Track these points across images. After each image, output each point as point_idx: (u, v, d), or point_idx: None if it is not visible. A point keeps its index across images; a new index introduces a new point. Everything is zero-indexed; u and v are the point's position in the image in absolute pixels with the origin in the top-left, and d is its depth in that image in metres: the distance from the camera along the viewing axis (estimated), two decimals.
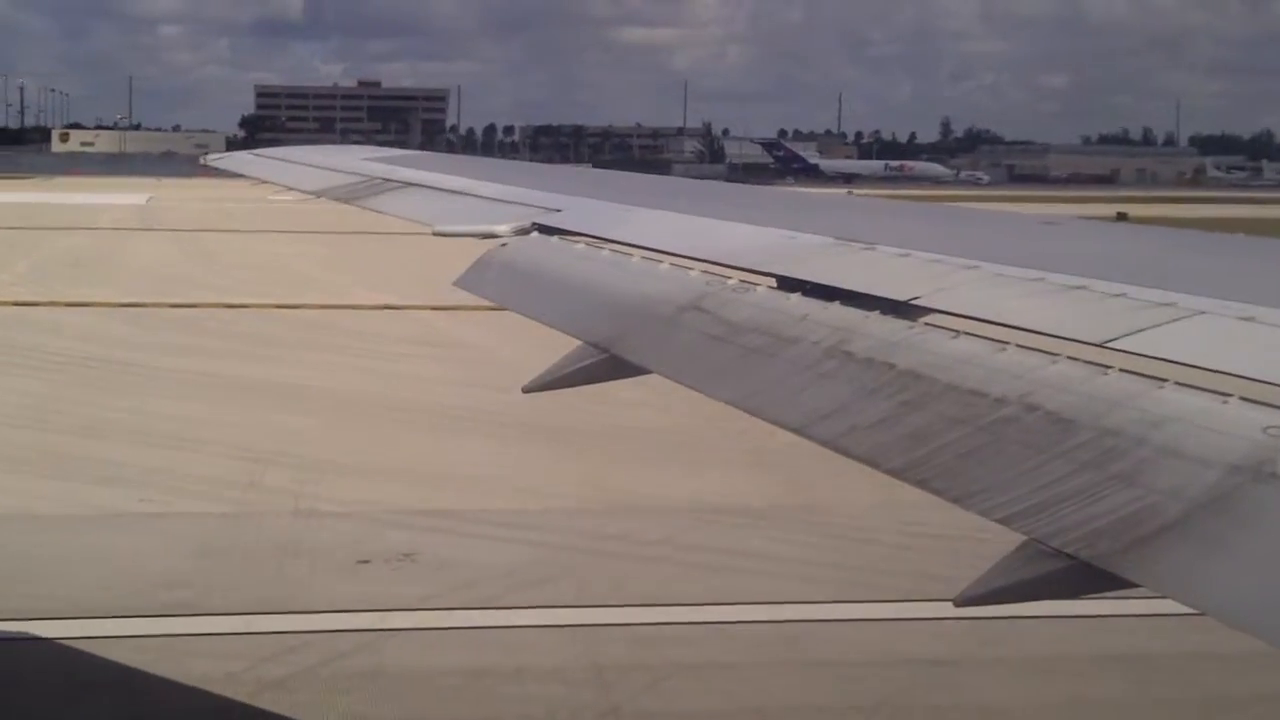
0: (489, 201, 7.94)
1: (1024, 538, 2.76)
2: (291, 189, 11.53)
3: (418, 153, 15.27)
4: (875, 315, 4.11)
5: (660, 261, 5.46)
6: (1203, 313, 3.53)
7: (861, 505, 15.44)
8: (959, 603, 2.85)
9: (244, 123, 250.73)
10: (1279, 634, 2.31)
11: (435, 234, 7.29)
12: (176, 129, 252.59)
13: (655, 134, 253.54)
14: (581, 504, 16.70)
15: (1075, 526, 2.69)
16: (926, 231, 6.01)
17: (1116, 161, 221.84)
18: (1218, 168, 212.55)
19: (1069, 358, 3.37)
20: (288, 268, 43.90)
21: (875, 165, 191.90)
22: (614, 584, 13.57)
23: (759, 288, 4.78)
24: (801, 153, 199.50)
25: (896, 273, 4.56)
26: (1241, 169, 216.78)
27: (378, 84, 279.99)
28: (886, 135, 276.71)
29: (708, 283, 4.98)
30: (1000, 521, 2.83)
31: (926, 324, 4.00)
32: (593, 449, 19.29)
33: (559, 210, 7.04)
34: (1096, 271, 4.12)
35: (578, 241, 6.26)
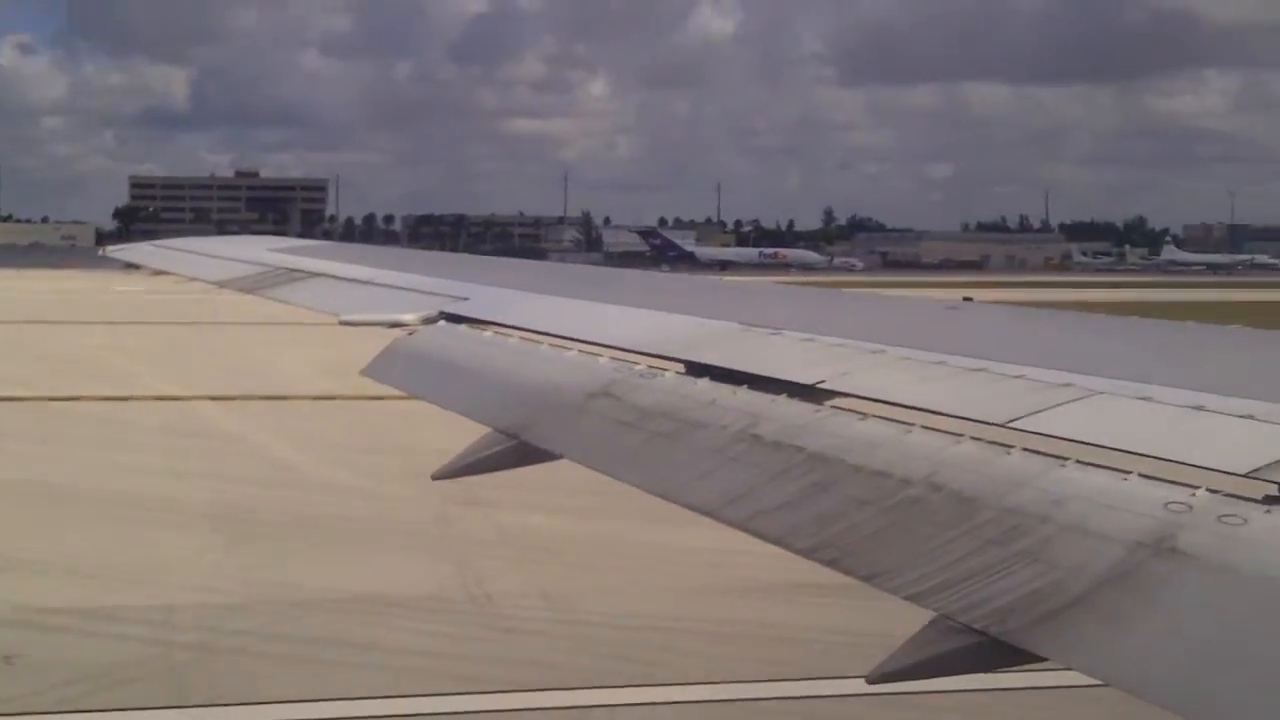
0: (395, 290, 7.95)
1: (934, 614, 2.80)
2: (194, 279, 11.44)
3: (322, 243, 15.25)
4: (783, 399, 4.16)
5: (569, 348, 5.49)
6: (1100, 393, 3.61)
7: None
8: (872, 679, 2.88)
9: (118, 213, 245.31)
10: (1184, 704, 2.35)
11: (341, 323, 7.27)
12: (45, 220, 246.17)
13: (537, 222, 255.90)
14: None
15: (984, 603, 2.74)
16: (831, 316, 6.10)
17: (987, 248, 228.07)
18: (1084, 253, 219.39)
19: (973, 438, 3.44)
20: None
21: (750, 252, 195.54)
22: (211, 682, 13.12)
23: (667, 373, 4.82)
24: (678, 241, 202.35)
25: (802, 357, 4.63)
26: (1107, 254, 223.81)
27: (256, 174, 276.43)
28: (769, 223, 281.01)
29: (616, 369, 5.01)
30: (909, 599, 2.86)
31: (833, 407, 4.06)
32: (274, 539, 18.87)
33: (466, 299, 7.06)
34: (997, 354, 4.21)
35: (485, 329, 6.28)
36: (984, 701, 11.94)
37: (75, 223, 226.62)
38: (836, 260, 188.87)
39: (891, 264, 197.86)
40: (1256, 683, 2.30)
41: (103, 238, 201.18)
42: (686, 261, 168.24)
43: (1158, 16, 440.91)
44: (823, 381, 4.24)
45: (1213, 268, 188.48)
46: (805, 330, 5.06)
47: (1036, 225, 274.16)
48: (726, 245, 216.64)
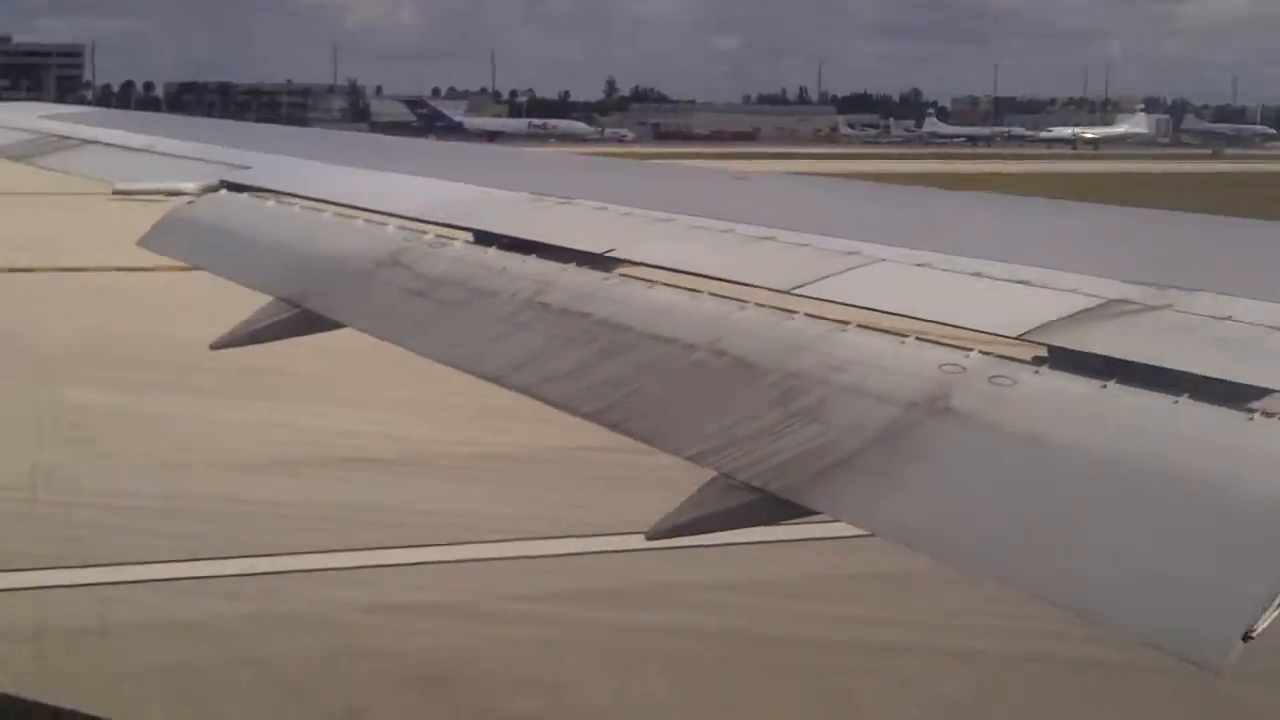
0: (174, 159, 7.67)
1: (715, 473, 2.84)
2: None
3: (97, 109, 14.62)
4: (572, 267, 4.14)
5: (356, 218, 5.38)
6: (882, 260, 3.68)
7: None
8: (651, 535, 2.91)
9: None
10: (946, 553, 2.44)
11: (115, 193, 6.99)
12: None
13: (306, 91, 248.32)
14: None
15: (761, 461, 2.78)
16: (622, 186, 6.08)
17: (759, 120, 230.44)
18: (850, 125, 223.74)
19: (756, 305, 3.47)
20: None
21: (519, 123, 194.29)
22: None
23: (456, 242, 4.76)
24: (446, 111, 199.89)
25: (593, 226, 4.61)
26: (874, 126, 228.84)
27: (8, 39, 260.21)
28: (549, 94, 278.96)
29: (404, 238, 4.93)
30: (691, 459, 2.90)
31: (622, 275, 4.06)
32: None
33: (248, 168, 6.84)
34: (784, 222, 4.25)
35: (268, 199, 6.10)
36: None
37: None
38: (607, 132, 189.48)
39: (663, 135, 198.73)
40: (1017, 533, 2.40)
41: None
42: (455, 132, 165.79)
43: None
44: (613, 250, 4.23)
45: (971, 140, 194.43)
46: (596, 199, 5.03)
47: (815, 99, 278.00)
48: (499, 116, 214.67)
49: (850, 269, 3.65)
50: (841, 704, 10.43)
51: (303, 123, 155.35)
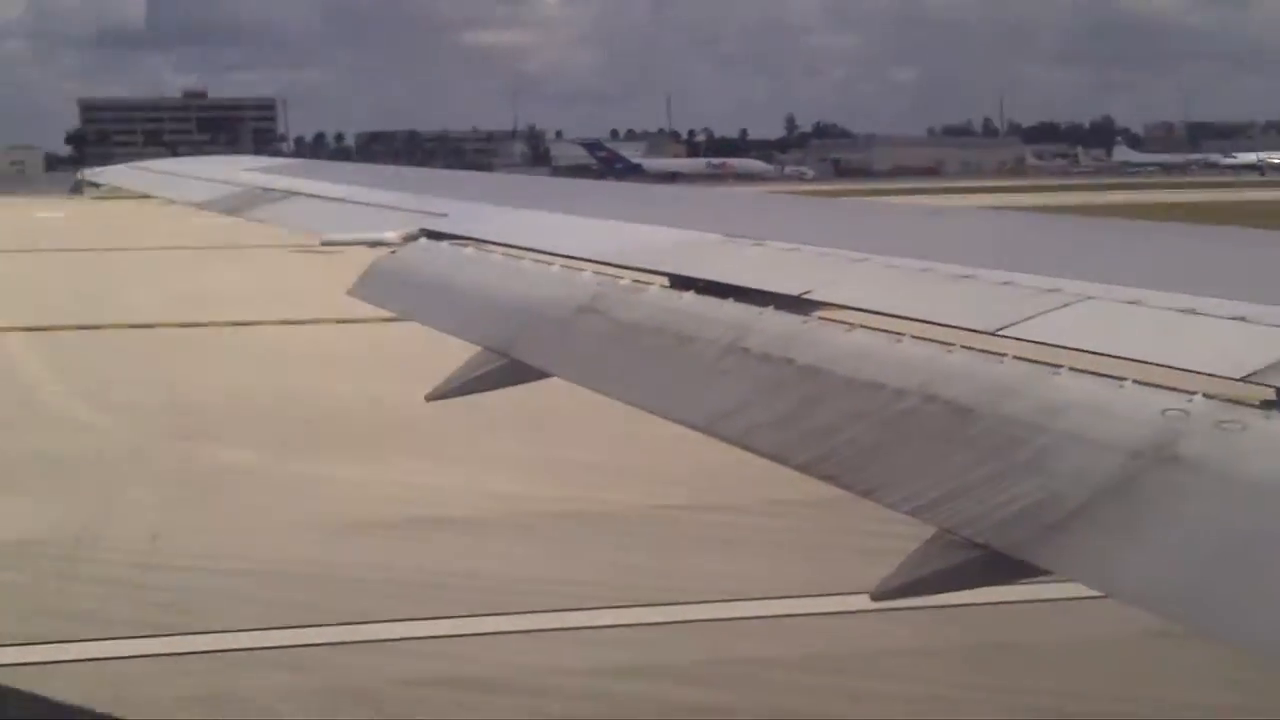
0: (373, 208, 7.89)
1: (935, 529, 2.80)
2: (175, 202, 11.33)
3: (296, 160, 15.11)
4: (769, 311, 4.13)
5: (551, 264, 5.46)
6: (1090, 298, 3.59)
7: None
8: (876, 596, 2.88)
9: (70, 138, 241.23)
10: (1185, 615, 2.36)
11: (323, 244, 7.22)
12: None
13: (490, 137, 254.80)
14: None
15: (984, 516, 2.74)
16: (814, 225, 6.07)
17: (942, 153, 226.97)
18: (1039, 156, 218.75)
19: (964, 347, 3.42)
20: None
21: (698, 163, 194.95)
22: None
23: (652, 287, 4.79)
24: (623, 153, 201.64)
25: (788, 267, 4.60)
26: (1064, 156, 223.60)
27: (203, 94, 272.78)
28: (729, 132, 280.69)
29: (600, 284, 4.98)
30: (910, 514, 2.86)
31: (821, 318, 4.04)
32: None
33: (445, 215, 7.00)
34: (983, 260, 4.19)
35: (467, 246, 6.23)
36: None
37: (22, 146, 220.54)
38: (787, 169, 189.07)
39: (844, 172, 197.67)
40: (1259, 591, 2.31)
41: (55, 162, 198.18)
42: (633, 174, 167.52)
43: None
44: (809, 291, 4.21)
45: (1164, 168, 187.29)
46: (789, 240, 5.02)
47: (1004, 129, 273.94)
48: (678, 156, 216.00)
49: (1057, 308, 3.57)
50: None
51: (487, 167, 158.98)
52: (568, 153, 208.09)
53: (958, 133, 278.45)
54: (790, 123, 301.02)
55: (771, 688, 11.24)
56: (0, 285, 42.12)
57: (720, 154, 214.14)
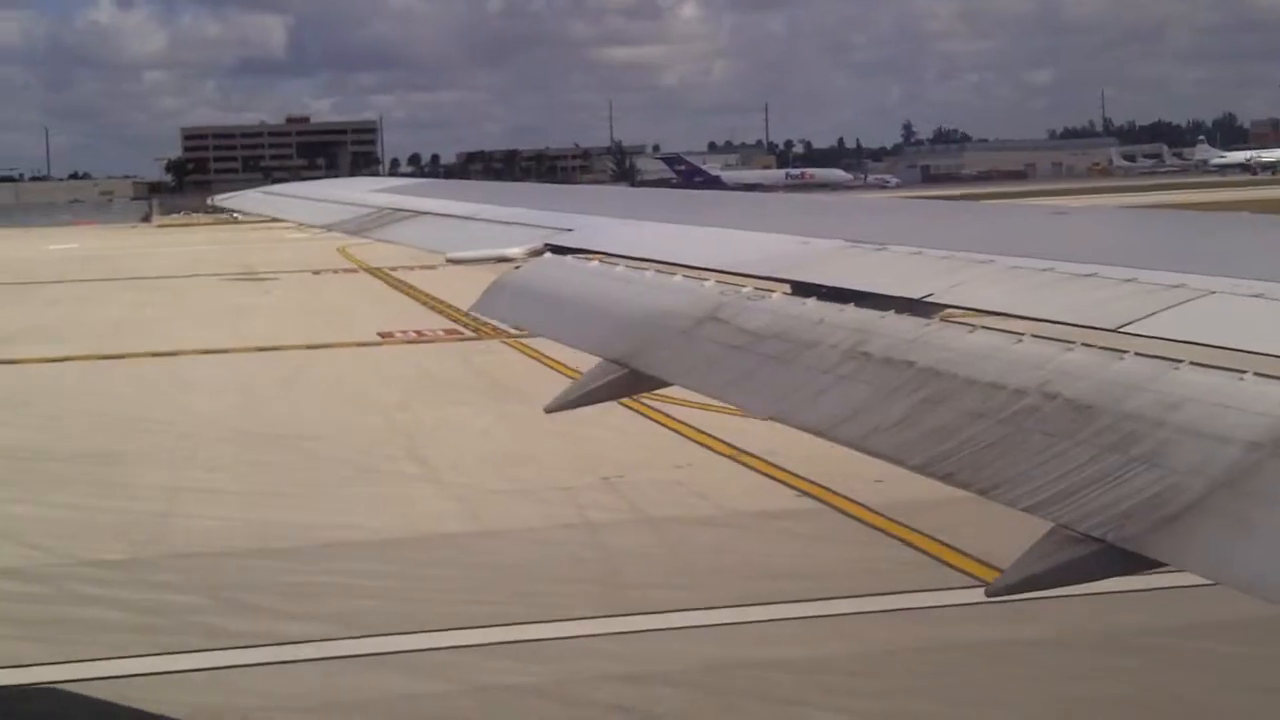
0: (498, 225, 8.01)
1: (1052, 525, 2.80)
2: (303, 225, 11.60)
3: (419, 181, 15.40)
4: (891, 315, 4.15)
5: (673, 274, 5.52)
6: (1213, 292, 3.57)
7: None
8: (990, 592, 2.89)
9: (171, 167, 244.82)
10: None
11: (449, 261, 7.35)
12: (74, 176, 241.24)
13: (586, 154, 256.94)
14: None
15: (1101, 510, 2.74)
16: (936, 229, 6.06)
17: (1032, 156, 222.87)
18: (1128, 157, 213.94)
19: (1084, 345, 3.42)
20: None
21: (777, 174, 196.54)
22: None
23: (773, 294, 4.83)
24: (705, 166, 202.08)
25: (909, 271, 4.61)
26: (1155, 156, 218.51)
27: (306, 119, 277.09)
28: (847, 141, 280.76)
29: (722, 292, 5.03)
30: (1027, 510, 2.87)
31: (942, 320, 4.05)
32: None
33: (569, 230, 7.10)
34: (1105, 258, 4.16)
35: (590, 259, 6.32)
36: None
37: (112, 178, 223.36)
38: (871, 178, 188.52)
39: (931, 178, 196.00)
40: None
41: (154, 190, 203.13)
42: (713, 186, 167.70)
43: None
44: (930, 295, 4.22)
45: (1245, 167, 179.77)
46: (910, 244, 5.03)
47: (1102, 130, 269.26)
48: (768, 168, 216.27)
49: (1181, 303, 3.55)
50: None
51: (575, 183, 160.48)
52: (651, 167, 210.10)
53: (1080, 134, 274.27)
54: (907, 129, 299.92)
55: None
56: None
57: (811, 165, 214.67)
